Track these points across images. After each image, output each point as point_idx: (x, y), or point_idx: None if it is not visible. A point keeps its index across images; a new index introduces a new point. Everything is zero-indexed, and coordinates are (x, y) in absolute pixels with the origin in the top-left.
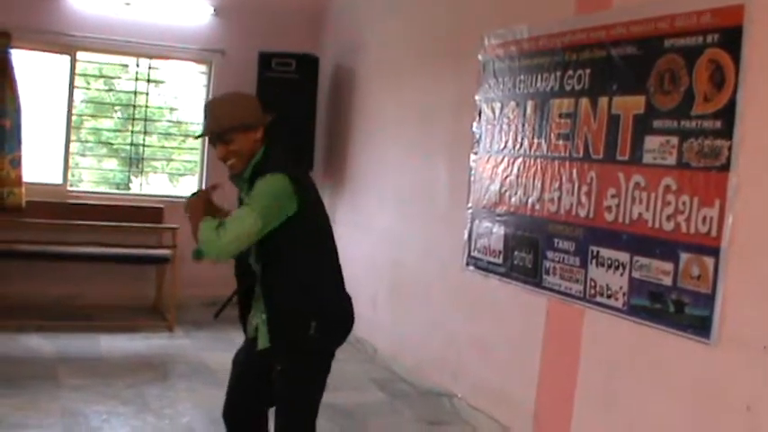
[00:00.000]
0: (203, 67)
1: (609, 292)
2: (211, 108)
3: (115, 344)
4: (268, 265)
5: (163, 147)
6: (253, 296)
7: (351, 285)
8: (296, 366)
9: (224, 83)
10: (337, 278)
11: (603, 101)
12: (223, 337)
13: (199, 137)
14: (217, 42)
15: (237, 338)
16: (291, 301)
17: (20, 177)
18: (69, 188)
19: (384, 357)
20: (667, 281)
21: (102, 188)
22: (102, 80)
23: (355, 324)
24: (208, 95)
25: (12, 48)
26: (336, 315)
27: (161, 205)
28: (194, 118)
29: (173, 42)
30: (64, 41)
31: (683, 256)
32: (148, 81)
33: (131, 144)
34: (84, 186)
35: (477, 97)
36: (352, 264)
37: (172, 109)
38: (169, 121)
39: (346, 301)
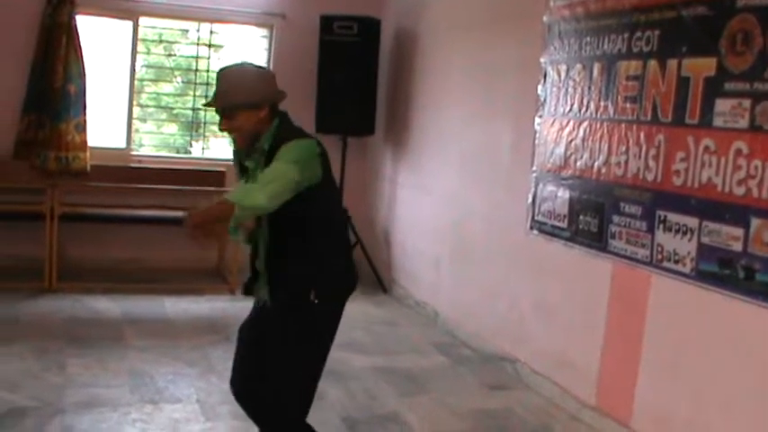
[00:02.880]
0: (264, 31)
1: (676, 257)
2: (220, 80)
3: (179, 306)
4: (278, 230)
5: None
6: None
7: (413, 248)
8: (292, 325)
9: (285, 47)
10: (346, 246)
11: (673, 63)
12: None
13: (206, 105)
14: (278, 6)
15: None
16: (296, 267)
17: (84, 142)
18: (132, 152)
19: (445, 321)
20: (737, 246)
21: (164, 153)
22: (162, 46)
23: (417, 287)
24: (269, 59)
25: (76, 14)
26: (339, 284)
27: (223, 169)
28: None
29: (234, 6)
30: (126, 7)
31: (755, 222)
32: (209, 46)
33: (192, 109)
34: (145, 151)
35: (541, 59)
36: (414, 227)
37: None
38: None
39: (351, 271)
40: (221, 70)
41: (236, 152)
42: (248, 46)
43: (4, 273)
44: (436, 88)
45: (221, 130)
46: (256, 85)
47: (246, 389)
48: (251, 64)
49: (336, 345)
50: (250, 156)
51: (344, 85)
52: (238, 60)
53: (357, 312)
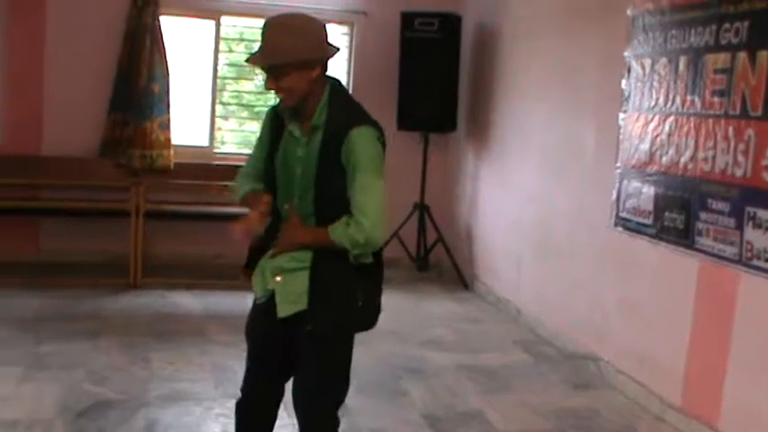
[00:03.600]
0: (345, 29)
1: (767, 255)
2: (268, 33)
3: None
4: (326, 221)
5: None
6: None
7: (495, 245)
8: (333, 330)
9: (366, 44)
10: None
11: (763, 55)
12: None
13: (248, 62)
14: (359, 3)
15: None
16: (341, 265)
17: (168, 140)
18: (215, 150)
19: (527, 319)
20: None
21: (245, 150)
22: (243, 44)
23: (499, 284)
24: (350, 57)
25: (160, 15)
26: (377, 284)
27: None
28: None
29: (315, 4)
30: (209, 7)
31: None
32: None
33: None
34: (226, 148)
35: (625, 53)
36: (496, 223)
37: None
38: None
39: (382, 270)
40: (268, 21)
41: (272, 117)
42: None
43: (91, 269)
44: (518, 84)
45: (267, 88)
46: (310, 37)
47: (305, 393)
48: (301, 14)
49: (418, 342)
50: (295, 120)
51: (425, 82)
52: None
53: (439, 309)
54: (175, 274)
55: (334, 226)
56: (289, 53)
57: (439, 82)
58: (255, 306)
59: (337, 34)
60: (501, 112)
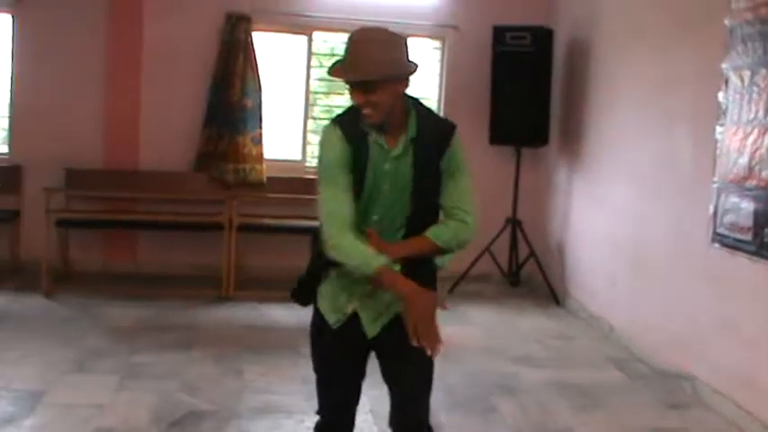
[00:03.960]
0: (437, 43)
1: None
2: (359, 47)
3: None
4: (415, 231)
5: None
6: (324, 276)
7: (588, 261)
8: None
9: (457, 58)
10: None
11: None
12: (455, 312)
13: (332, 75)
14: (451, 18)
15: (472, 313)
16: (425, 272)
17: (261, 154)
18: (307, 164)
19: (620, 336)
20: None
21: None
22: (334, 59)
23: (592, 300)
24: (441, 71)
25: (253, 31)
26: None
27: None
28: (426, 94)
29: (407, 19)
30: (301, 23)
31: None
32: None
33: None
34: (317, 162)
35: (723, 65)
36: (588, 239)
37: None
38: None
39: None
40: (356, 35)
41: (341, 137)
42: (417, 58)
43: (185, 281)
44: (611, 98)
45: (354, 102)
46: (400, 54)
47: (413, 406)
48: (386, 29)
49: (510, 358)
50: (380, 134)
51: (518, 96)
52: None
53: (530, 325)
54: (267, 287)
55: (436, 231)
56: (383, 68)
57: (531, 96)
58: (326, 331)
59: (429, 49)
60: (594, 126)
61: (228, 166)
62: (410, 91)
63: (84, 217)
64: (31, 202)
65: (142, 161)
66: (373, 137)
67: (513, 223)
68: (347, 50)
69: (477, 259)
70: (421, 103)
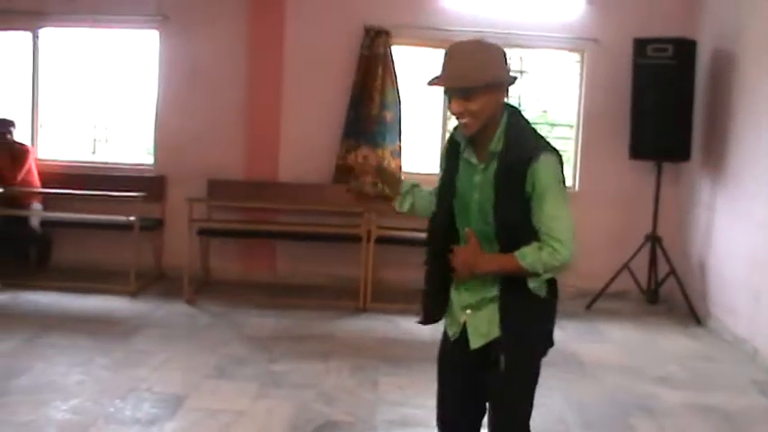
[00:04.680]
0: (576, 56)
1: None
2: (458, 57)
3: None
4: (509, 247)
5: None
6: (445, 285)
7: (730, 279)
8: (525, 357)
9: (597, 71)
10: None
11: None
12: (594, 329)
13: (432, 84)
14: (590, 30)
15: (609, 331)
16: (527, 295)
17: (399, 167)
18: None
19: (766, 358)
20: None
21: None
22: None
23: (735, 321)
24: (581, 84)
25: (392, 45)
26: (554, 312)
27: None
28: (563, 107)
29: (546, 32)
30: (439, 36)
31: None
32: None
33: None
34: None
35: None
36: (731, 257)
37: (539, 99)
38: (535, 111)
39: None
40: (455, 47)
41: (449, 144)
42: (555, 70)
43: (322, 291)
44: (756, 111)
45: (455, 113)
46: (500, 62)
47: (501, 419)
48: (481, 40)
49: (649, 378)
50: (471, 146)
51: (659, 110)
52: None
53: (670, 345)
54: (404, 300)
55: (523, 252)
56: (483, 75)
57: (673, 109)
58: (447, 338)
59: (569, 62)
60: (738, 141)
61: (367, 179)
62: (545, 104)
63: (225, 227)
64: (175, 212)
65: (282, 173)
66: (463, 147)
67: (653, 240)
68: (445, 61)
69: (615, 276)
70: (519, 121)
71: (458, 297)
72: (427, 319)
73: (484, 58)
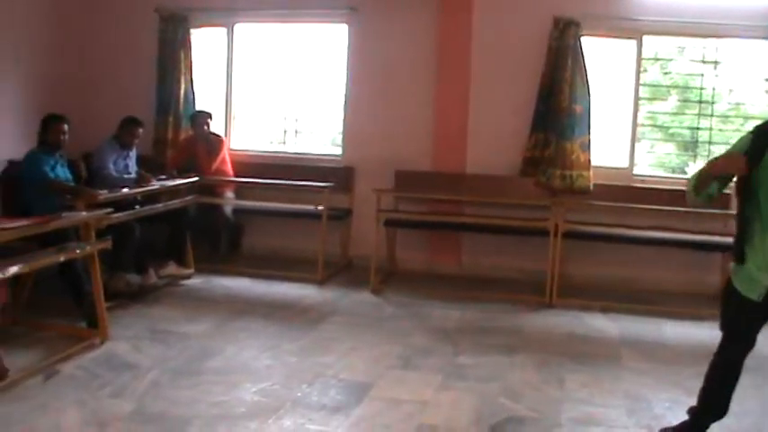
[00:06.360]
0: None
1: None
2: None
3: (678, 330)
4: None
5: (720, 130)
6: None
7: None
8: None
9: None
10: None
11: None
12: None
13: None
14: None
15: None
16: None
17: (588, 161)
18: (634, 172)
19: None
20: None
21: (659, 172)
22: (658, 63)
23: None
24: None
25: (581, 36)
26: None
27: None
28: (754, 99)
29: (740, 21)
30: (631, 26)
31: None
32: (710, 63)
33: (689, 128)
34: (639, 170)
35: None
36: None
37: (730, 90)
38: (729, 104)
39: None
40: None
41: (756, 135)
42: (746, 61)
43: (508, 284)
44: None
45: None
46: None
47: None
48: None
49: None
50: None
51: None
52: None
53: None
54: (590, 296)
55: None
56: None
57: None
58: (746, 302)
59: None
60: None
61: (555, 172)
62: (738, 96)
63: (412, 218)
64: (362, 202)
65: (469, 164)
66: None
67: None
68: None
69: None
70: None
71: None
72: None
73: None
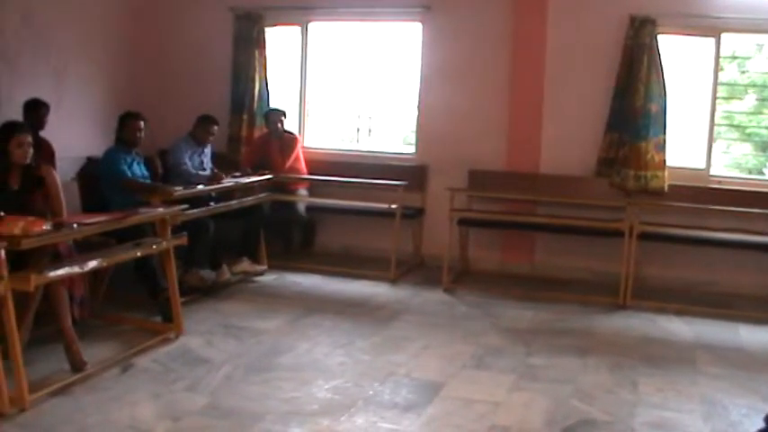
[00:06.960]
0: None
1: None
2: None
3: (756, 335)
4: None
5: None
6: None
7: None
8: None
9: None
10: None
11: None
12: None
13: None
14: None
15: None
16: None
17: (663, 161)
18: (711, 173)
19: None
20: None
21: (735, 173)
22: (735, 62)
23: None
24: None
25: (658, 34)
26: None
27: None
28: None
29: None
30: (709, 24)
31: None
32: None
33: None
34: (715, 170)
35: None
36: None
37: None
38: None
39: None
40: None
41: None
42: None
43: (581, 285)
44: None
45: None
46: None
47: None
48: None
49: None
50: None
51: None
52: None
53: None
54: (665, 298)
55: None
56: None
57: None
58: None
59: None
60: None
61: (630, 173)
62: None
63: (485, 217)
64: (435, 201)
65: (543, 164)
66: None
67: None
68: None
69: None
70: None
71: None
72: None
73: None
